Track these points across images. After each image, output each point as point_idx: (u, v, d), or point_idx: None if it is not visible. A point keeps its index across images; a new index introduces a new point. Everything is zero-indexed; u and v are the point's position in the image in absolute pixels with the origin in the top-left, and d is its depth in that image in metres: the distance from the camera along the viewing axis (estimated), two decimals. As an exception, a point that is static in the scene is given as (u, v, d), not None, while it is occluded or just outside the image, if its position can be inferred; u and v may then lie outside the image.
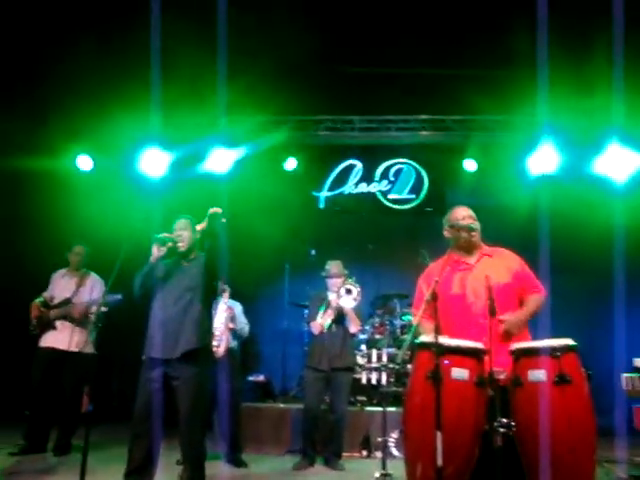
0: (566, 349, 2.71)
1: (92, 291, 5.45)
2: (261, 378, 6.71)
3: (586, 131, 6.86)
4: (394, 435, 4.41)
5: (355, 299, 4.53)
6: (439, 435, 2.56)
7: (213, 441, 5.20)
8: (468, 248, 3.31)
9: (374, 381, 3.13)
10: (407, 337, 3.59)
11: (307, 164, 7.82)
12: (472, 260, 3.29)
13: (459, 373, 2.72)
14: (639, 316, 6.78)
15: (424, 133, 7.44)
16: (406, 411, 2.86)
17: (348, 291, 4.72)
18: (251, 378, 6.70)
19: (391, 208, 7.92)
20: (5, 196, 6.63)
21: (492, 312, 2.77)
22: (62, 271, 5.64)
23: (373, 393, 4.77)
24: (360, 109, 7.51)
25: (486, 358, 2.77)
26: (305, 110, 7.53)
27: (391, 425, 4.07)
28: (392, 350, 4.93)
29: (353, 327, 4.99)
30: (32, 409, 5.32)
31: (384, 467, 3.25)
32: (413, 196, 7.87)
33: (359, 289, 4.53)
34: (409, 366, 3.42)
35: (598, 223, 6.60)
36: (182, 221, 3.97)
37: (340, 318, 5.00)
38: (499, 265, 3.24)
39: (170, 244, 3.83)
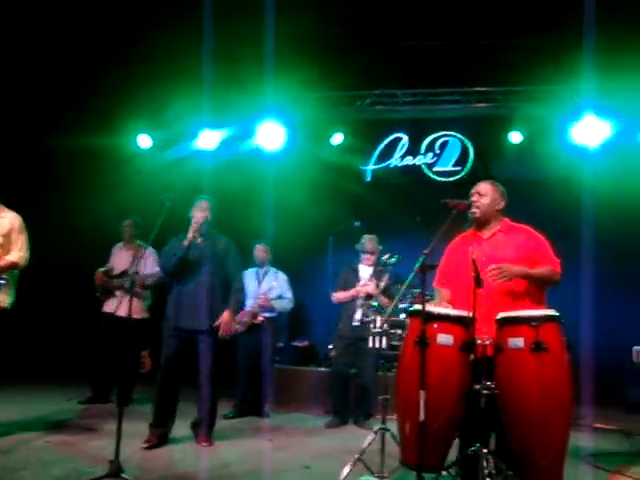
0: (545, 319, 2.87)
1: (146, 263, 5.98)
2: (305, 343, 7.12)
3: (633, 101, 6.67)
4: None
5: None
6: (423, 394, 2.82)
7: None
8: (479, 223, 3.46)
9: (377, 345, 3.43)
10: (391, 304, 3.84)
11: (353, 138, 8.00)
12: (486, 234, 3.45)
13: (444, 339, 2.95)
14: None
15: (469, 105, 7.44)
16: (397, 372, 3.13)
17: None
18: (295, 343, 7.13)
19: (436, 180, 8.00)
20: (70, 171, 7.26)
21: (477, 283, 2.96)
22: (120, 244, 6.22)
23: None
24: (405, 83, 7.60)
25: (477, 326, 2.99)
26: (350, 85, 7.69)
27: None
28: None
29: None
30: (97, 366, 6.00)
31: (384, 422, 3.55)
32: (458, 168, 7.91)
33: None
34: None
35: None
36: (203, 202, 4.42)
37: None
38: (510, 242, 3.34)
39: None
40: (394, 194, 8.08)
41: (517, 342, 2.85)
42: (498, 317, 3.00)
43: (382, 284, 5.24)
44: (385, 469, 3.44)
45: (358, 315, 5.29)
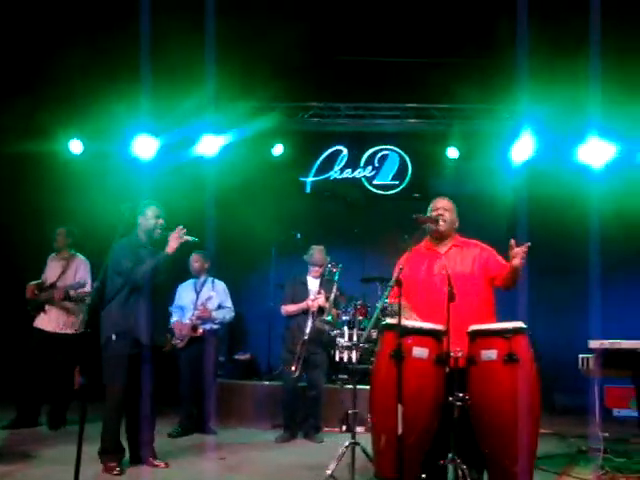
0: (516, 331, 2.96)
1: (76, 273, 5.67)
2: (247, 356, 6.99)
3: (565, 120, 7.06)
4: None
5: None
6: (400, 408, 2.82)
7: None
8: (439, 237, 3.51)
9: (345, 359, 3.41)
10: (372, 318, 3.85)
11: (294, 150, 7.98)
12: (442, 249, 3.50)
13: (419, 352, 2.98)
14: (615, 302, 7.08)
15: (408, 121, 7.62)
16: (372, 386, 3.12)
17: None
18: (237, 356, 6.98)
19: (375, 193, 8.13)
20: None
21: (451, 298, 3.01)
22: (53, 254, 5.87)
23: (345, 371, 5.12)
24: (347, 97, 7.68)
25: (446, 339, 3.03)
26: (292, 97, 7.68)
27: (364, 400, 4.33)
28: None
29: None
30: (23, 385, 5.58)
31: (353, 437, 3.53)
32: (397, 182, 8.07)
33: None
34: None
35: (576, 209, 6.86)
36: (157, 209, 4.26)
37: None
38: (466, 256, 3.44)
39: None
40: (333, 206, 8.15)
41: (490, 354, 2.92)
42: (470, 330, 3.05)
43: (332, 296, 5.24)
44: (355, 484, 3.42)
45: (308, 328, 5.24)
